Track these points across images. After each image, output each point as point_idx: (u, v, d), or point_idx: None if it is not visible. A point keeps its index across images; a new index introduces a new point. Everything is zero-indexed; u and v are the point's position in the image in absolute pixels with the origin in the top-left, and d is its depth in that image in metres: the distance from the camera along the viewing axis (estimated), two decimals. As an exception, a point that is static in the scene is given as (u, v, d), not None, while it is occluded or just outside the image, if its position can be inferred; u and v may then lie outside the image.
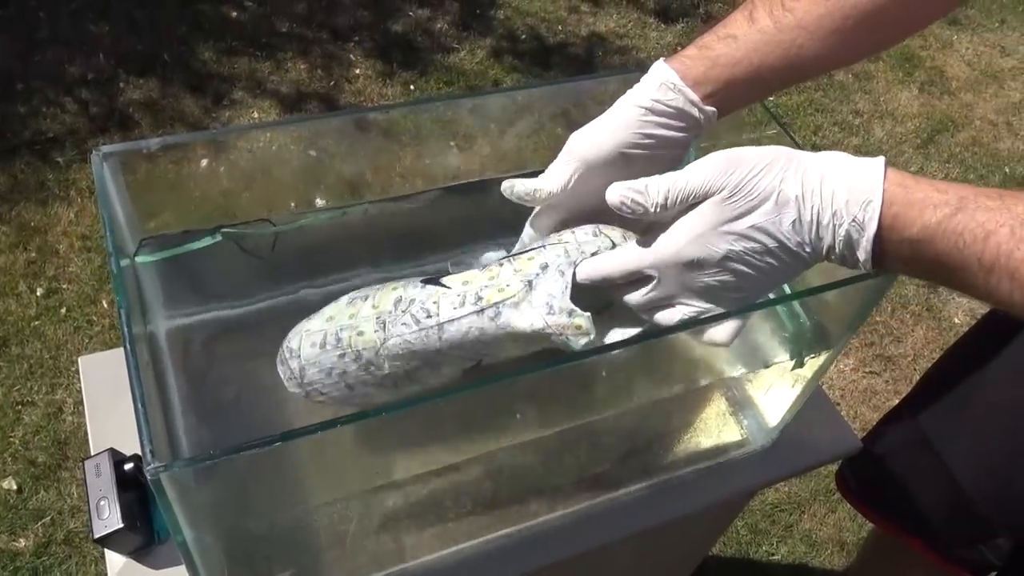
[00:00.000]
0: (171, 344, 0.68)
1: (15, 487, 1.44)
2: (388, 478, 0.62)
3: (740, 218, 0.49)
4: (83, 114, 2.05)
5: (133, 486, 0.64)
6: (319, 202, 0.75)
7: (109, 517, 0.61)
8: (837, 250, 0.50)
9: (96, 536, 0.61)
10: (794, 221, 0.49)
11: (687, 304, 0.53)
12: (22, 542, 1.39)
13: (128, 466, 0.65)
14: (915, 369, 1.92)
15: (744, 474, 0.78)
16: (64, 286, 1.73)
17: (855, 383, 1.87)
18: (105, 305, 1.71)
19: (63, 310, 1.70)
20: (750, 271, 0.51)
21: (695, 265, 0.51)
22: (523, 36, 2.55)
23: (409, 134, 0.75)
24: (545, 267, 0.56)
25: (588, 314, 0.53)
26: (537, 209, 0.63)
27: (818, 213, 0.49)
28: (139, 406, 0.46)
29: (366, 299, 0.60)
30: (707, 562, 1.55)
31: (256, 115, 2.13)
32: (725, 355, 0.69)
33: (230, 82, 2.21)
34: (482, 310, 0.55)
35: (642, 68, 0.62)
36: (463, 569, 0.68)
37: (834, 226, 0.49)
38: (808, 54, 0.59)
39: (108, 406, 0.76)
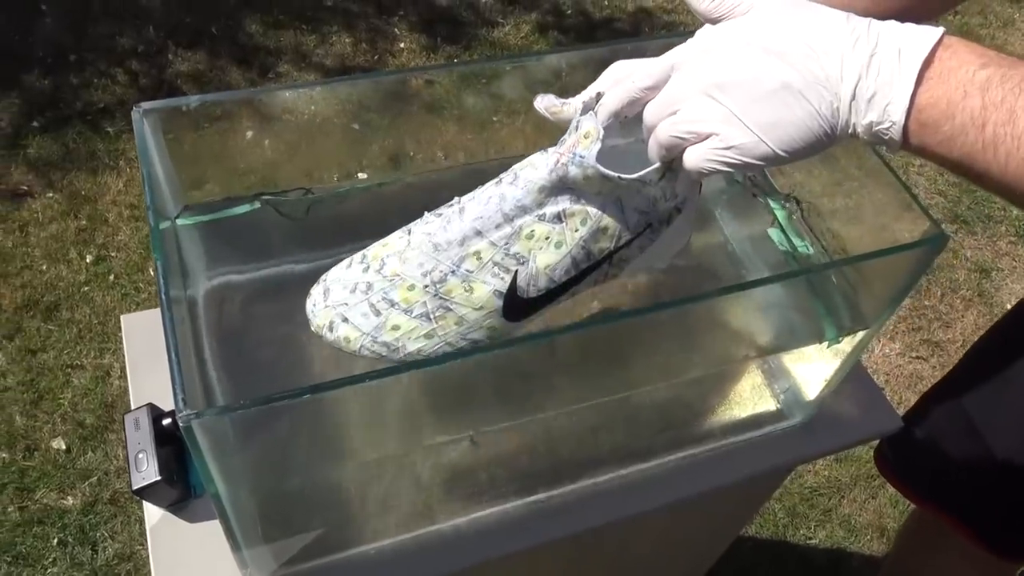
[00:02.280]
0: (208, 304, 0.69)
1: (64, 447, 1.49)
2: (419, 442, 0.63)
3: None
4: (133, 85, 2.09)
5: (171, 441, 0.65)
6: (360, 175, 0.75)
7: (147, 470, 0.62)
8: (868, 91, 0.43)
9: (134, 488, 0.62)
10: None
11: (700, 122, 0.46)
12: (70, 500, 1.43)
13: (166, 421, 0.66)
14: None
15: (781, 449, 0.76)
16: (113, 254, 1.77)
17: (901, 368, 1.84)
18: (151, 273, 1.75)
19: (111, 277, 1.73)
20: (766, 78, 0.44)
21: (719, 57, 0.45)
22: (568, 11, 2.53)
23: (451, 106, 0.75)
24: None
25: (591, 111, 0.50)
26: None
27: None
28: (172, 356, 0.47)
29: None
30: (743, 543, 1.53)
31: (303, 103, 2.14)
32: (761, 327, 0.68)
33: (276, 55, 2.22)
34: (500, 180, 0.54)
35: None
36: (494, 534, 0.68)
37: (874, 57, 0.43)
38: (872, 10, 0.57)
39: (149, 364, 0.77)
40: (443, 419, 0.62)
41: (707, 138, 0.45)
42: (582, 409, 0.67)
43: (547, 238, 0.53)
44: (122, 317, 0.83)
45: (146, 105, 0.60)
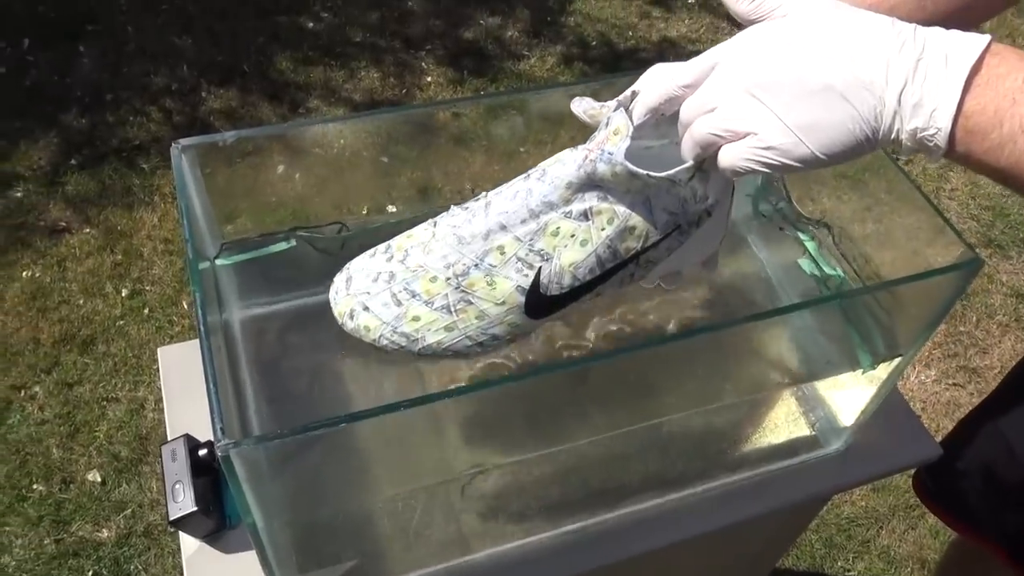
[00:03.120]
0: (244, 335, 0.70)
1: (99, 479, 1.50)
2: (453, 472, 0.63)
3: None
4: (167, 122, 2.13)
5: (207, 471, 0.66)
6: (390, 208, 0.77)
7: (183, 500, 0.63)
8: (911, 95, 0.43)
9: (171, 518, 0.63)
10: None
11: (738, 120, 0.45)
12: (105, 532, 1.44)
13: (202, 452, 0.67)
14: (1002, 381, 1.84)
15: (817, 477, 0.75)
16: (147, 288, 1.80)
17: (937, 395, 1.80)
18: (185, 306, 1.77)
19: (146, 310, 1.76)
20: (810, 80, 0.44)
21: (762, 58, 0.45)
22: (593, 42, 2.55)
23: (479, 138, 0.76)
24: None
25: (622, 107, 0.50)
26: None
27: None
28: (211, 386, 0.48)
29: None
30: (779, 574, 1.51)
31: (335, 138, 2.18)
32: (795, 354, 0.68)
33: (306, 90, 2.26)
34: (528, 175, 0.54)
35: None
36: (526, 564, 0.68)
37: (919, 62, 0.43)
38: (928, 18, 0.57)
39: (185, 395, 0.78)
40: (476, 447, 0.62)
41: (744, 137, 0.45)
42: (614, 437, 0.66)
43: (572, 235, 0.52)
44: (159, 350, 0.84)
45: (184, 141, 0.61)
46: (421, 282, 0.55)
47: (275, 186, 0.70)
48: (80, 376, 1.65)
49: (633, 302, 0.71)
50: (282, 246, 0.71)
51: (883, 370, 0.68)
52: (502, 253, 0.53)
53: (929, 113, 0.42)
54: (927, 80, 0.42)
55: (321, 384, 0.69)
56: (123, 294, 1.78)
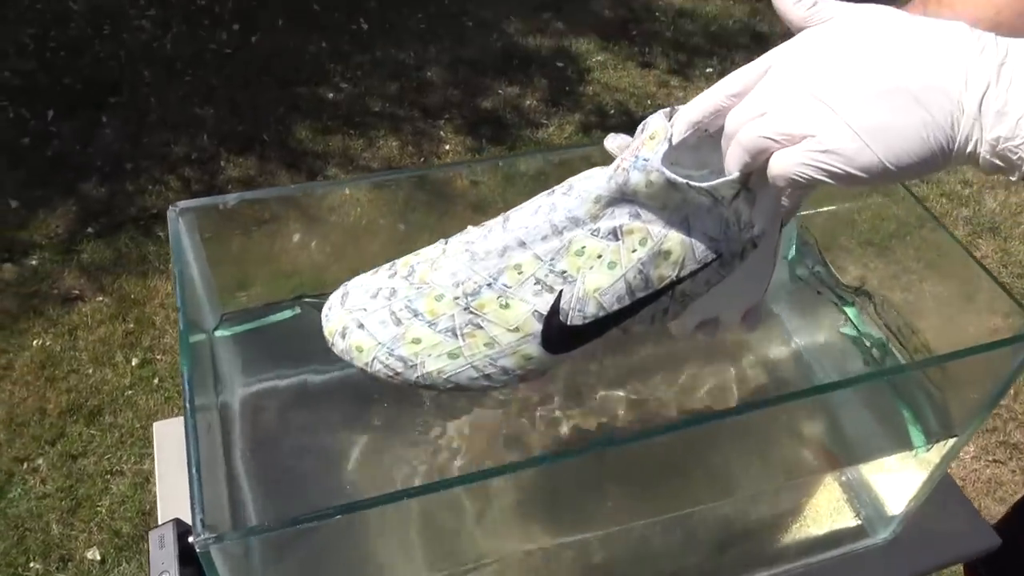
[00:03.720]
0: (244, 413, 0.65)
1: (99, 557, 1.44)
2: (457, 565, 0.57)
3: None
4: (186, 191, 2.13)
5: (196, 559, 0.61)
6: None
7: (169, 594, 0.58)
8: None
9: (155, 614, 0.57)
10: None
11: (794, 122, 0.40)
12: (102, 614, 1.37)
13: (192, 538, 0.61)
14: (1046, 457, 1.75)
15: (864, 569, 0.69)
16: (158, 357, 1.77)
17: (977, 472, 1.71)
18: (195, 376, 1.73)
19: (156, 380, 1.72)
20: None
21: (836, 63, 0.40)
22: (612, 111, 2.55)
23: (496, 204, 0.72)
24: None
25: (661, 111, 0.45)
26: None
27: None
28: (193, 471, 0.43)
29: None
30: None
31: (347, 191, 2.17)
32: (840, 436, 0.62)
33: (324, 159, 2.26)
34: (552, 191, 0.48)
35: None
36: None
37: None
38: None
39: (180, 475, 0.73)
40: (483, 537, 0.56)
41: (801, 141, 0.40)
42: (636, 528, 0.61)
43: (599, 256, 0.47)
44: (155, 425, 0.79)
45: (182, 204, 0.58)
46: (425, 300, 0.49)
47: (280, 252, 0.66)
48: (85, 448, 1.60)
49: (652, 371, 0.66)
50: (287, 314, 0.67)
51: (936, 452, 0.62)
52: (519, 272, 0.47)
53: (1015, 121, 0.38)
54: (1012, 85, 0.37)
55: (325, 467, 0.64)
56: (133, 363, 1.75)
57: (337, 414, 0.67)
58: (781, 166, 0.41)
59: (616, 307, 0.48)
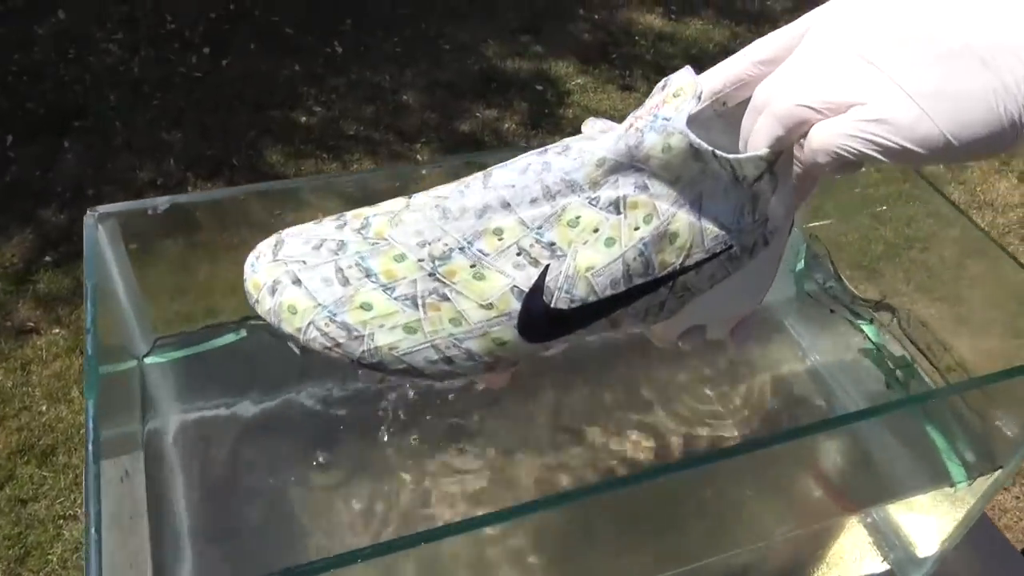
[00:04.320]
0: (183, 453, 0.56)
1: (47, 611, 1.33)
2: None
3: None
4: (150, 218, 2.04)
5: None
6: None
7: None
8: None
9: None
10: None
11: (841, 88, 0.33)
12: (49, 674, 1.26)
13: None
14: (1050, 483, 1.68)
15: (894, 622, 0.60)
16: (117, 391, 1.66)
17: (1020, 514, 1.64)
18: (157, 411, 1.63)
19: (114, 416, 1.62)
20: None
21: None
22: (593, 133, 2.49)
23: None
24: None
25: (688, 67, 0.38)
26: None
27: None
28: (92, 531, 0.34)
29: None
30: None
31: (320, 215, 2.09)
32: (865, 470, 0.54)
33: (296, 184, 2.18)
34: (545, 150, 0.40)
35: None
36: None
37: None
38: None
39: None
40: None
41: (847, 110, 0.33)
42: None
43: (596, 230, 0.39)
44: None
45: (102, 208, 0.50)
46: (382, 259, 0.40)
47: (223, 265, 0.58)
48: (36, 491, 1.49)
49: (648, 392, 0.58)
50: (231, 338, 0.59)
51: (976, 486, 0.54)
52: (499, 238, 0.39)
53: None
54: None
55: (280, 515, 0.55)
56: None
57: (291, 449, 0.58)
58: (824, 138, 0.33)
59: (609, 292, 0.40)
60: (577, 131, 0.42)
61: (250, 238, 0.56)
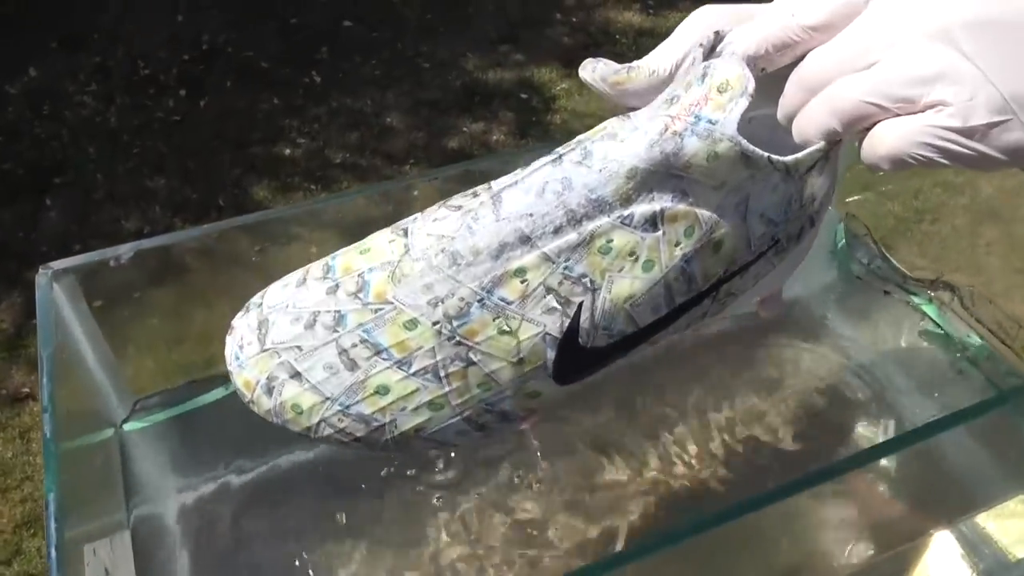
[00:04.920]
0: (174, 529, 0.50)
1: None
2: None
3: None
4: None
5: None
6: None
7: None
8: None
9: None
10: None
11: (922, 82, 0.28)
12: None
13: None
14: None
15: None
16: (120, 451, 1.60)
17: None
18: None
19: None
20: None
21: None
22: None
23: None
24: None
25: (733, 51, 0.32)
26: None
27: None
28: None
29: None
30: None
31: (314, 249, 2.03)
32: (952, 482, 0.48)
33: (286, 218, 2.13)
34: (559, 157, 0.34)
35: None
36: None
37: None
38: None
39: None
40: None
41: (924, 111, 0.28)
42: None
43: (632, 254, 0.33)
44: (85, 548, 0.64)
45: (57, 264, 0.44)
46: (390, 329, 0.34)
47: (203, 314, 0.52)
48: (45, 565, 1.43)
49: (692, 421, 0.52)
50: (219, 393, 0.53)
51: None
52: (522, 281, 0.33)
53: None
54: None
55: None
56: (93, 462, 1.58)
57: (301, 514, 0.52)
58: (894, 144, 0.28)
59: (651, 319, 0.35)
60: (567, 137, 0.36)
61: (228, 279, 0.50)
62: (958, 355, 0.54)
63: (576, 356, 0.35)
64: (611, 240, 0.33)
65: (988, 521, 0.54)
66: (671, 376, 0.59)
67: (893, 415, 0.56)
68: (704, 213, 0.33)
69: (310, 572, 0.49)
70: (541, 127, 2.47)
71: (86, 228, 2.08)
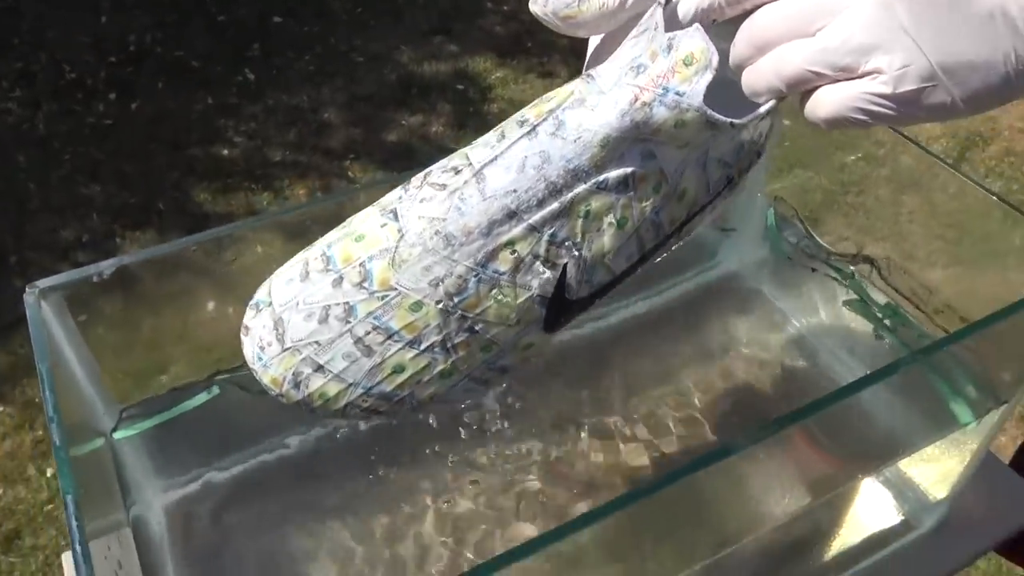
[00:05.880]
0: (169, 527, 0.53)
1: None
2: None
3: None
4: (81, 277, 1.96)
5: None
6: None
7: None
8: None
9: None
10: None
11: (863, 50, 0.31)
12: None
13: None
14: None
15: (918, 562, 0.60)
16: (76, 462, 1.59)
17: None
18: (122, 476, 1.57)
19: (77, 489, 1.55)
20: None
21: None
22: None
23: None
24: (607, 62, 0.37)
25: (697, 25, 0.34)
26: (590, 54, 0.42)
27: None
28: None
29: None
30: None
31: (259, 248, 2.03)
32: (876, 432, 0.53)
33: (228, 219, 2.12)
34: (533, 128, 0.37)
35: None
36: None
37: None
38: None
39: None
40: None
41: (863, 76, 0.31)
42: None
43: (608, 214, 0.37)
44: (63, 557, 0.66)
45: (43, 283, 0.46)
46: (398, 313, 0.37)
47: (183, 322, 0.54)
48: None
49: (637, 381, 0.57)
50: (203, 398, 0.55)
51: (981, 425, 0.54)
52: (512, 252, 0.37)
53: None
54: None
55: (279, 573, 0.52)
56: (48, 474, 1.57)
57: (285, 505, 0.55)
58: (832, 108, 0.32)
59: (625, 266, 0.39)
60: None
61: (206, 288, 0.53)
62: (878, 321, 0.60)
63: (564, 308, 0.39)
64: (589, 205, 0.37)
65: (910, 467, 0.60)
66: (623, 352, 0.63)
67: (824, 377, 0.61)
68: (669, 168, 0.36)
69: (289, 557, 0.52)
70: (479, 117, 2.50)
71: (23, 240, 2.04)
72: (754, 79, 0.34)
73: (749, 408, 0.60)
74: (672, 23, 0.35)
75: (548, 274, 0.37)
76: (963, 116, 0.32)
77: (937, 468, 0.59)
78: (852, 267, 0.61)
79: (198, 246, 0.51)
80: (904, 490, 0.61)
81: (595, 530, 0.38)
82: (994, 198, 0.51)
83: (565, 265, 0.37)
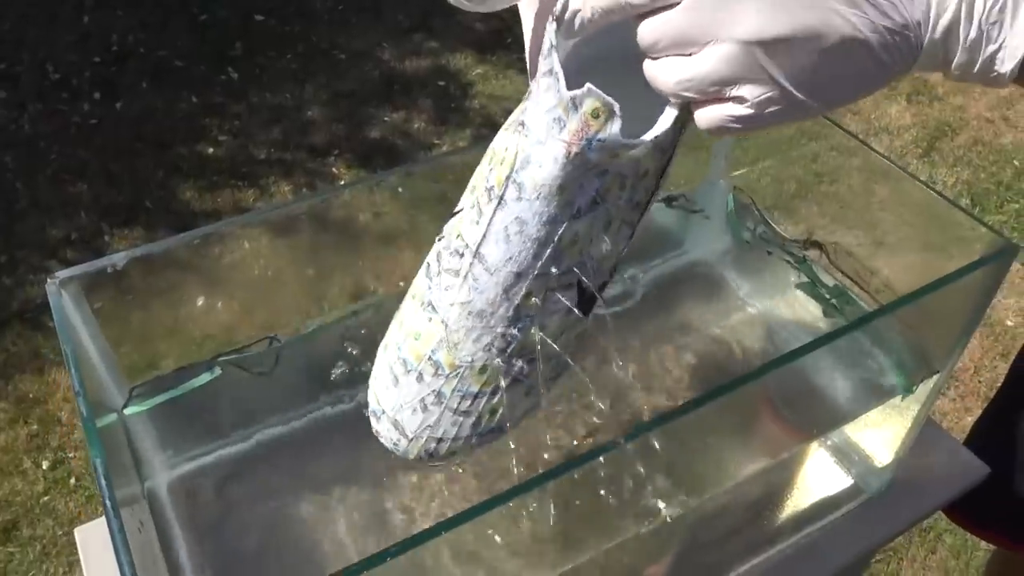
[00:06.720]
0: (175, 497, 0.57)
1: None
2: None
3: None
4: (71, 275, 1.99)
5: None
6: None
7: None
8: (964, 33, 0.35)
9: None
10: None
11: (729, 82, 0.35)
12: None
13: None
14: (979, 381, 1.79)
15: (867, 524, 0.66)
16: (70, 455, 1.63)
17: (957, 413, 1.74)
18: (116, 467, 1.61)
19: (72, 480, 1.59)
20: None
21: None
22: (501, 119, 2.50)
23: (403, 234, 0.68)
24: (528, 96, 0.42)
25: (587, 85, 0.39)
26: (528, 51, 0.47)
27: None
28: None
29: (402, 305, 0.49)
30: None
31: (246, 244, 2.07)
32: (818, 399, 0.59)
33: (215, 217, 2.15)
34: (501, 197, 0.42)
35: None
36: None
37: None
38: None
39: None
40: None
41: (727, 100, 0.36)
42: (631, 541, 0.56)
43: (593, 227, 0.43)
44: (76, 531, 0.70)
45: (63, 273, 0.51)
46: (474, 380, 0.46)
47: (187, 308, 0.59)
48: (4, 569, 1.46)
49: (606, 376, 0.62)
50: (205, 378, 0.60)
51: (920, 392, 0.59)
52: (533, 299, 0.44)
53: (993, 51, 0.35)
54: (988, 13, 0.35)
55: (279, 538, 0.57)
56: (44, 467, 1.60)
57: (287, 476, 0.60)
58: (706, 123, 0.37)
59: (624, 244, 0.46)
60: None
61: (208, 279, 0.58)
62: (826, 302, 0.65)
63: (591, 299, 0.46)
64: (576, 235, 0.42)
65: (855, 432, 0.66)
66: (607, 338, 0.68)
67: (779, 351, 0.66)
68: (626, 169, 0.42)
69: (289, 524, 0.57)
70: (460, 113, 2.54)
71: (12, 239, 2.07)
72: (653, 81, 0.38)
73: (709, 383, 0.65)
74: (569, 31, 0.40)
75: (568, 293, 0.44)
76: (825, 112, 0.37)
77: (882, 435, 0.64)
78: (804, 252, 0.67)
79: (201, 240, 0.55)
80: (852, 456, 0.66)
81: (560, 484, 0.43)
82: (934, 193, 0.56)
83: (579, 280, 0.44)
